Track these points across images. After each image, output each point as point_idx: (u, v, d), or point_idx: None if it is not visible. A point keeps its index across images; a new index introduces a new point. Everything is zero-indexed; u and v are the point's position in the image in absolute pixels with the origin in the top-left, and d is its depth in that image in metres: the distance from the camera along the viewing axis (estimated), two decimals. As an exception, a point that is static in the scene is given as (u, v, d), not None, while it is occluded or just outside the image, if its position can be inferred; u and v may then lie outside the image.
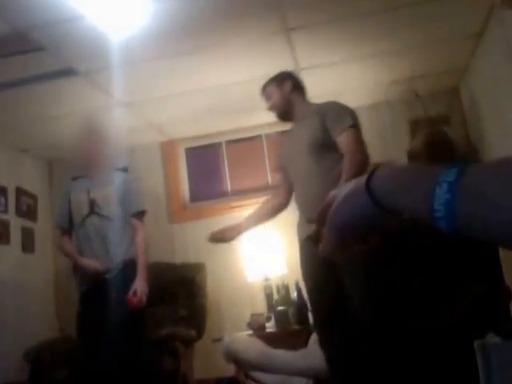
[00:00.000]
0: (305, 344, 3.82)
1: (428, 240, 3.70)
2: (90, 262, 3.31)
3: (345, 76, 4.19)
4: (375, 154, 4.68)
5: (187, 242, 4.87)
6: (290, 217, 4.50)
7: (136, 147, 5.11)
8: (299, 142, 2.78)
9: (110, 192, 3.40)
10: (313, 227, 2.59)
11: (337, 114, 2.73)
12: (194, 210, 5.06)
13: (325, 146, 2.69)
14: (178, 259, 4.61)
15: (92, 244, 3.35)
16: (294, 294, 4.05)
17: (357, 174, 2.55)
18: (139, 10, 2.93)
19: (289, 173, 2.92)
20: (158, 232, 5.01)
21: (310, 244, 2.66)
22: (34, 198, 5.01)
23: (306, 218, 2.72)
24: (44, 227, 5.11)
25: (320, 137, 2.70)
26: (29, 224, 4.89)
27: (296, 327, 3.89)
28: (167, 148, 5.18)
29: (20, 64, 3.36)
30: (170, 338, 3.65)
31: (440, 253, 3.64)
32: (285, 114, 2.95)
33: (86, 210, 3.38)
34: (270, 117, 3.08)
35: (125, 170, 5.11)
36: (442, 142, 4.15)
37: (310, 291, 2.86)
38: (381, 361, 2.55)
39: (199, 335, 4.05)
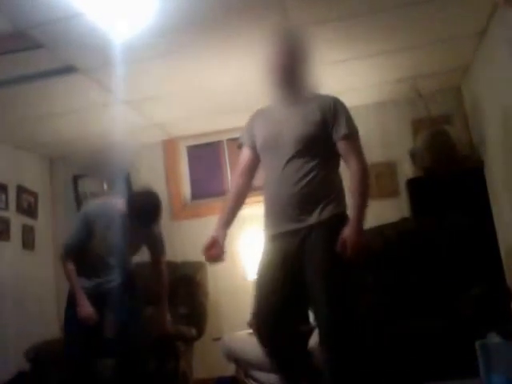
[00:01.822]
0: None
1: (429, 241, 3.70)
2: (86, 307, 3.21)
3: (347, 75, 4.18)
4: (377, 153, 4.71)
5: (188, 240, 4.85)
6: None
7: (137, 145, 5.10)
8: (290, 129, 2.51)
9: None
10: (286, 227, 2.48)
11: (346, 114, 2.55)
12: (195, 208, 5.05)
13: (316, 144, 2.49)
14: (179, 257, 4.60)
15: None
16: (294, 293, 4.04)
17: (367, 189, 2.49)
18: (141, 7, 2.92)
19: (261, 155, 2.63)
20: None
21: (281, 241, 2.49)
22: (34, 195, 5.01)
23: (283, 215, 2.49)
24: (44, 225, 5.11)
25: (315, 132, 2.49)
26: (29, 221, 4.90)
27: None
28: (168, 146, 5.17)
29: (20, 62, 3.35)
30: (170, 336, 3.64)
31: (442, 253, 3.64)
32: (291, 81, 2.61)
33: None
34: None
35: (125, 168, 5.12)
36: (444, 142, 4.14)
37: (263, 287, 2.56)
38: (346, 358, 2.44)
39: (199, 334, 4.04)
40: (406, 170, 4.38)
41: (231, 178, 2.78)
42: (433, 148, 4.10)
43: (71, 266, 3.26)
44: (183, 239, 4.89)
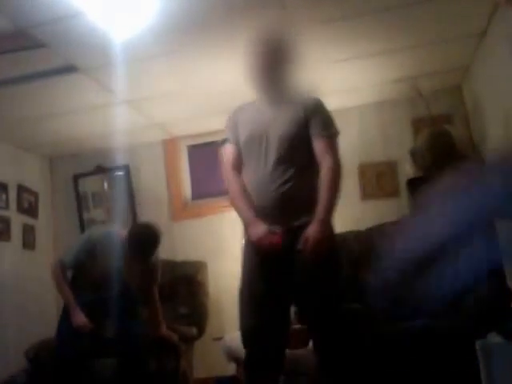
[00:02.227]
0: (305, 343, 3.81)
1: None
2: (79, 316, 3.33)
3: (347, 74, 4.18)
4: (378, 153, 4.71)
5: (188, 240, 4.86)
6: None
7: (138, 145, 5.11)
8: (273, 128, 2.52)
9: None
10: (277, 227, 2.45)
11: (327, 114, 2.59)
12: (195, 207, 5.05)
13: (298, 143, 2.50)
14: (180, 257, 4.61)
15: None
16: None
17: (337, 189, 2.50)
18: (141, 7, 2.92)
19: (243, 154, 2.62)
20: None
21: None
22: (35, 195, 5.01)
23: (268, 216, 2.47)
24: (45, 224, 5.11)
25: (297, 130, 2.50)
26: (30, 221, 4.90)
27: (297, 327, 3.87)
28: (169, 146, 5.17)
29: (20, 61, 3.35)
30: (167, 339, 3.64)
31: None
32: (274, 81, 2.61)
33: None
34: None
35: (126, 168, 5.12)
36: (444, 142, 4.13)
37: (248, 295, 2.56)
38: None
39: (200, 333, 4.04)
40: (407, 170, 4.37)
41: (224, 175, 2.73)
42: (433, 148, 4.09)
43: (63, 280, 3.42)
44: (184, 239, 4.89)
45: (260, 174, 2.50)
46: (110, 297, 3.35)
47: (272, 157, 2.48)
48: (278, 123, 2.52)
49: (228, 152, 2.68)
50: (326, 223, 2.41)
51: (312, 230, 2.37)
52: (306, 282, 2.43)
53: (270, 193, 2.46)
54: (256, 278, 2.52)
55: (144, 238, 3.37)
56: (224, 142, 2.73)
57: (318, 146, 2.50)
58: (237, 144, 2.65)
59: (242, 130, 2.62)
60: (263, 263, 2.50)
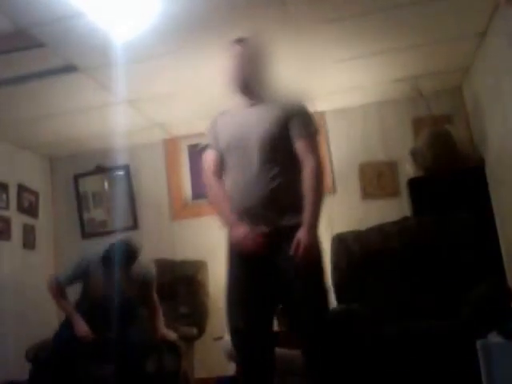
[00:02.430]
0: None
1: (430, 241, 3.70)
2: (82, 326, 3.47)
3: (348, 74, 4.18)
4: (378, 153, 4.71)
5: (189, 240, 4.86)
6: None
7: (138, 145, 5.11)
8: (253, 129, 2.52)
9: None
10: (261, 228, 2.45)
11: (306, 113, 2.57)
12: (196, 207, 5.05)
13: (279, 143, 2.49)
14: (180, 257, 4.61)
15: None
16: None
17: (321, 188, 2.49)
18: (141, 7, 2.92)
19: (226, 158, 2.61)
20: (160, 229, 5.01)
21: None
22: (35, 194, 5.01)
23: (252, 217, 2.47)
24: (45, 224, 5.11)
25: (278, 131, 2.49)
26: (30, 221, 4.90)
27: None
28: (169, 145, 5.17)
29: (20, 61, 3.35)
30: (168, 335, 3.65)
31: (442, 253, 3.64)
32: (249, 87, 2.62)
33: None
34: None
35: (126, 167, 5.13)
36: (445, 141, 4.14)
37: (234, 300, 2.57)
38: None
39: (200, 333, 4.04)
40: (407, 170, 4.37)
41: (205, 181, 2.73)
42: (434, 147, 4.10)
43: (59, 295, 3.67)
44: (184, 238, 4.90)
45: (246, 175, 2.50)
46: (109, 307, 3.44)
47: (256, 157, 2.48)
48: (259, 124, 2.52)
49: (209, 158, 2.69)
50: (315, 227, 2.42)
51: (302, 236, 2.37)
52: (294, 285, 2.43)
53: (256, 192, 2.45)
54: (240, 279, 2.53)
55: (116, 252, 3.51)
56: (205, 147, 2.74)
57: (299, 146, 2.50)
58: (218, 150, 2.65)
59: (222, 135, 2.63)
60: (247, 264, 2.50)
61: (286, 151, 2.50)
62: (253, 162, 2.48)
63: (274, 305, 2.61)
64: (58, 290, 3.66)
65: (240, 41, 2.65)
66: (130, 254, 3.53)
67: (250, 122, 2.55)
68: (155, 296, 3.73)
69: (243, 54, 2.60)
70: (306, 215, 2.40)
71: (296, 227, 2.42)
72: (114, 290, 3.48)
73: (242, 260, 2.52)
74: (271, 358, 2.56)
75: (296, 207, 2.45)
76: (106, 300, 3.49)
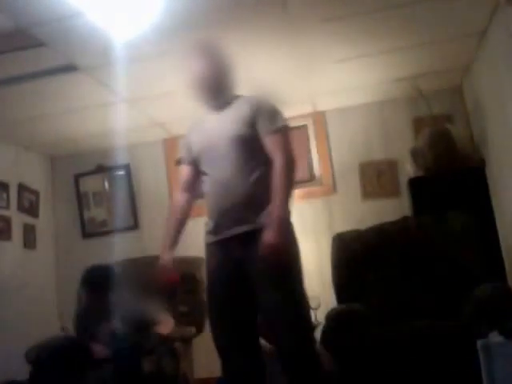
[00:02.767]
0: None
1: (430, 241, 3.70)
2: (97, 348, 3.54)
3: (348, 74, 4.18)
4: (379, 152, 4.71)
5: (189, 239, 4.83)
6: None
7: (139, 144, 5.11)
8: (221, 131, 2.49)
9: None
10: (227, 233, 2.40)
11: (271, 110, 2.50)
12: (196, 207, 5.04)
13: (248, 142, 2.44)
14: (180, 255, 4.60)
15: None
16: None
17: (290, 185, 2.40)
18: (142, 6, 2.92)
19: (202, 165, 2.58)
20: (160, 228, 4.99)
21: (221, 248, 2.46)
22: (36, 194, 5.01)
23: (220, 222, 2.46)
24: (45, 223, 5.11)
25: (245, 130, 2.44)
26: (30, 220, 4.90)
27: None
28: (170, 145, 5.17)
29: (21, 60, 3.35)
30: (168, 338, 3.64)
31: (443, 253, 3.64)
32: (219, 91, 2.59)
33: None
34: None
35: (126, 167, 5.13)
36: (445, 141, 4.14)
37: (214, 296, 2.53)
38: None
39: (199, 331, 4.03)
40: (407, 170, 4.38)
41: (174, 195, 2.76)
42: (434, 147, 4.10)
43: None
44: (184, 238, 4.87)
45: (221, 178, 2.46)
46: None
47: (228, 160, 2.44)
48: (227, 127, 2.48)
49: (181, 174, 2.71)
50: (282, 226, 2.31)
51: (267, 235, 2.26)
52: (266, 292, 2.34)
53: (232, 194, 2.41)
54: (217, 294, 2.49)
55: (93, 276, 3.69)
56: (178, 162, 2.75)
57: (267, 143, 2.45)
58: (191, 161, 2.64)
59: (194, 145, 2.61)
60: (223, 271, 2.45)
61: (258, 150, 2.46)
62: (226, 165, 2.43)
63: (255, 315, 2.49)
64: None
65: (200, 45, 2.63)
66: (105, 278, 3.65)
67: (218, 127, 2.52)
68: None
69: (205, 58, 2.57)
70: (272, 214, 2.31)
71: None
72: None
73: (216, 265, 2.49)
74: (259, 366, 2.46)
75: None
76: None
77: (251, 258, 2.33)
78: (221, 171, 2.46)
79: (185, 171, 2.70)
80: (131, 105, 4.28)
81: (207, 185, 2.54)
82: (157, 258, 2.71)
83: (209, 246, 2.59)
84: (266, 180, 2.39)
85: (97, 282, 3.68)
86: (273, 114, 2.49)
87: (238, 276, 2.40)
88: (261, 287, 2.34)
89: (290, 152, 2.45)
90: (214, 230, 2.51)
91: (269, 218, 2.32)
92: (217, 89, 2.56)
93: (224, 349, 2.49)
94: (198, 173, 2.62)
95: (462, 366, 2.75)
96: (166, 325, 3.68)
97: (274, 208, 2.32)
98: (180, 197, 2.73)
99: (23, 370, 3.69)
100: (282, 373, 2.34)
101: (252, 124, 2.46)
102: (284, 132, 2.48)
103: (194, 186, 2.68)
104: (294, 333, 2.32)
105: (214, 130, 2.53)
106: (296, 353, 2.32)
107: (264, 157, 2.45)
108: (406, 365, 2.93)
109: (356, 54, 3.84)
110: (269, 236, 2.25)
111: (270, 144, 2.44)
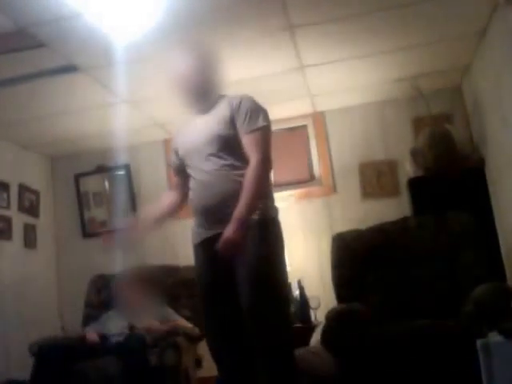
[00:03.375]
0: (306, 342, 3.83)
1: (430, 241, 3.70)
2: (91, 336, 3.75)
3: (348, 74, 4.19)
4: (378, 152, 4.71)
5: (189, 239, 4.85)
6: (290, 214, 4.50)
7: (139, 144, 5.12)
8: (203, 132, 2.50)
9: None
10: (210, 232, 2.42)
11: (250, 110, 2.48)
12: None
13: (230, 142, 2.45)
14: (181, 256, 4.59)
15: None
16: (296, 292, 4.05)
17: (260, 184, 2.38)
18: (142, 6, 2.93)
19: (187, 168, 2.61)
20: (161, 228, 5.01)
21: (206, 248, 2.45)
22: (36, 194, 5.02)
23: (204, 221, 2.51)
24: (46, 223, 5.12)
25: (226, 130, 2.45)
26: (31, 220, 4.90)
27: (298, 325, 3.88)
28: (170, 145, 5.17)
29: (21, 60, 3.35)
30: (172, 332, 3.67)
31: (442, 253, 3.64)
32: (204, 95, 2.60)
33: None
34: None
35: (126, 167, 5.13)
36: (445, 141, 4.14)
37: (205, 296, 2.55)
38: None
39: (201, 336, 4.04)
40: (407, 169, 4.38)
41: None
42: (434, 147, 4.10)
43: None
44: (184, 237, 4.87)
45: (202, 178, 2.48)
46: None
47: (208, 160, 2.46)
48: (206, 126, 2.51)
49: (172, 177, 2.80)
50: (242, 222, 2.29)
51: (227, 231, 2.28)
52: (241, 290, 2.36)
53: (214, 193, 2.43)
54: (202, 288, 2.55)
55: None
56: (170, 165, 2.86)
57: (244, 142, 2.45)
58: (176, 165, 2.72)
59: (180, 147, 2.65)
60: (206, 272, 2.52)
61: (239, 149, 2.46)
62: (208, 165, 2.46)
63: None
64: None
65: (184, 48, 2.62)
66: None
67: (200, 128, 2.53)
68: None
69: (190, 61, 2.56)
70: (236, 210, 2.31)
71: (254, 224, 2.34)
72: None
73: (202, 273, 2.55)
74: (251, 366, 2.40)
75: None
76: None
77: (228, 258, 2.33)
78: (201, 172, 2.48)
79: (173, 174, 2.80)
80: (131, 105, 4.28)
81: (192, 186, 2.57)
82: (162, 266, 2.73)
83: (194, 246, 2.65)
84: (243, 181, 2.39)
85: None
86: (252, 113, 2.47)
87: (220, 276, 2.43)
88: (239, 285, 2.36)
89: (265, 151, 2.43)
90: (198, 231, 2.58)
91: (232, 217, 2.31)
92: (202, 92, 2.57)
93: (215, 350, 2.51)
94: (185, 176, 2.65)
95: (461, 366, 2.75)
96: (181, 321, 3.89)
97: (237, 208, 2.32)
98: (166, 194, 2.86)
99: (23, 370, 3.70)
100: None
101: (232, 124, 2.46)
102: (262, 131, 2.45)
103: (182, 188, 2.71)
104: (264, 332, 2.30)
105: (196, 131, 2.55)
106: (265, 354, 2.29)
107: (242, 156, 2.45)
108: (405, 365, 2.94)
109: (356, 54, 3.84)
110: (225, 233, 2.27)
111: (247, 143, 2.44)
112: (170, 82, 2.61)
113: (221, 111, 2.51)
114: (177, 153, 2.68)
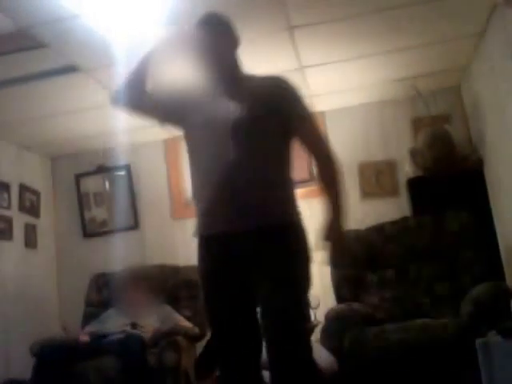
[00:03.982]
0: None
1: (429, 241, 3.71)
2: (83, 337, 3.81)
3: (347, 74, 4.19)
4: (377, 152, 4.72)
5: (189, 239, 4.86)
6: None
7: (139, 144, 5.12)
8: (234, 111, 2.17)
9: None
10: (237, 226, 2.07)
11: (299, 96, 2.25)
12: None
13: (270, 128, 2.17)
14: (181, 256, 4.61)
15: None
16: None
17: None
18: (142, 7, 2.93)
19: (189, 129, 2.38)
20: (161, 228, 5.03)
21: (224, 242, 2.13)
22: (36, 194, 5.02)
23: (226, 210, 2.11)
24: (46, 223, 5.12)
25: (271, 115, 2.17)
26: (32, 220, 4.91)
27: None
28: (170, 144, 5.18)
29: (22, 61, 3.36)
30: (172, 332, 3.68)
31: (442, 253, 3.65)
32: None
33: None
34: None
35: (127, 167, 5.14)
36: (444, 142, 4.15)
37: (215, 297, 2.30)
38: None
39: (201, 336, 4.05)
40: (406, 170, 4.39)
41: None
42: (433, 148, 4.11)
43: None
44: (184, 237, 4.90)
45: (234, 156, 2.17)
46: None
47: (234, 143, 2.17)
48: (242, 105, 2.21)
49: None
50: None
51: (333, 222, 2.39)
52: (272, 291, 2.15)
53: (245, 178, 2.17)
54: (214, 277, 2.30)
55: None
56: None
57: (304, 130, 2.33)
58: (164, 104, 2.51)
59: (188, 106, 2.43)
60: (225, 261, 2.20)
61: (277, 137, 2.26)
62: (230, 152, 2.15)
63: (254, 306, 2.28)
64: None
65: (203, 23, 2.37)
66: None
67: (230, 105, 2.23)
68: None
69: (209, 36, 2.32)
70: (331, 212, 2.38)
71: (295, 224, 2.29)
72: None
73: (215, 261, 2.25)
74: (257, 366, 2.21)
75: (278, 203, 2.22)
76: None
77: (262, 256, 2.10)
78: (233, 151, 2.13)
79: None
80: (131, 105, 4.28)
81: (206, 164, 2.30)
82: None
83: (203, 238, 2.29)
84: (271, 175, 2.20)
85: None
86: (300, 97, 2.29)
87: (235, 274, 2.19)
88: (271, 288, 2.11)
89: (327, 143, 2.36)
90: (215, 220, 2.18)
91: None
92: (230, 65, 2.35)
93: (223, 349, 2.25)
94: (166, 116, 2.49)
95: (461, 366, 2.76)
96: (182, 321, 3.91)
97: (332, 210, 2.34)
98: None
99: (24, 370, 3.72)
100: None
101: (277, 108, 2.22)
102: (313, 116, 2.30)
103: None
104: (294, 334, 2.11)
105: (222, 107, 2.24)
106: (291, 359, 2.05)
107: (282, 145, 2.28)
108: (405, 364, 2.95)
109: (355, 54, 3.85)
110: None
111: (308, 134, 2.31)
112: (195, 56, 2.33)
113: (261, 94, 2.25)
114: (183, 108, 2.38)
